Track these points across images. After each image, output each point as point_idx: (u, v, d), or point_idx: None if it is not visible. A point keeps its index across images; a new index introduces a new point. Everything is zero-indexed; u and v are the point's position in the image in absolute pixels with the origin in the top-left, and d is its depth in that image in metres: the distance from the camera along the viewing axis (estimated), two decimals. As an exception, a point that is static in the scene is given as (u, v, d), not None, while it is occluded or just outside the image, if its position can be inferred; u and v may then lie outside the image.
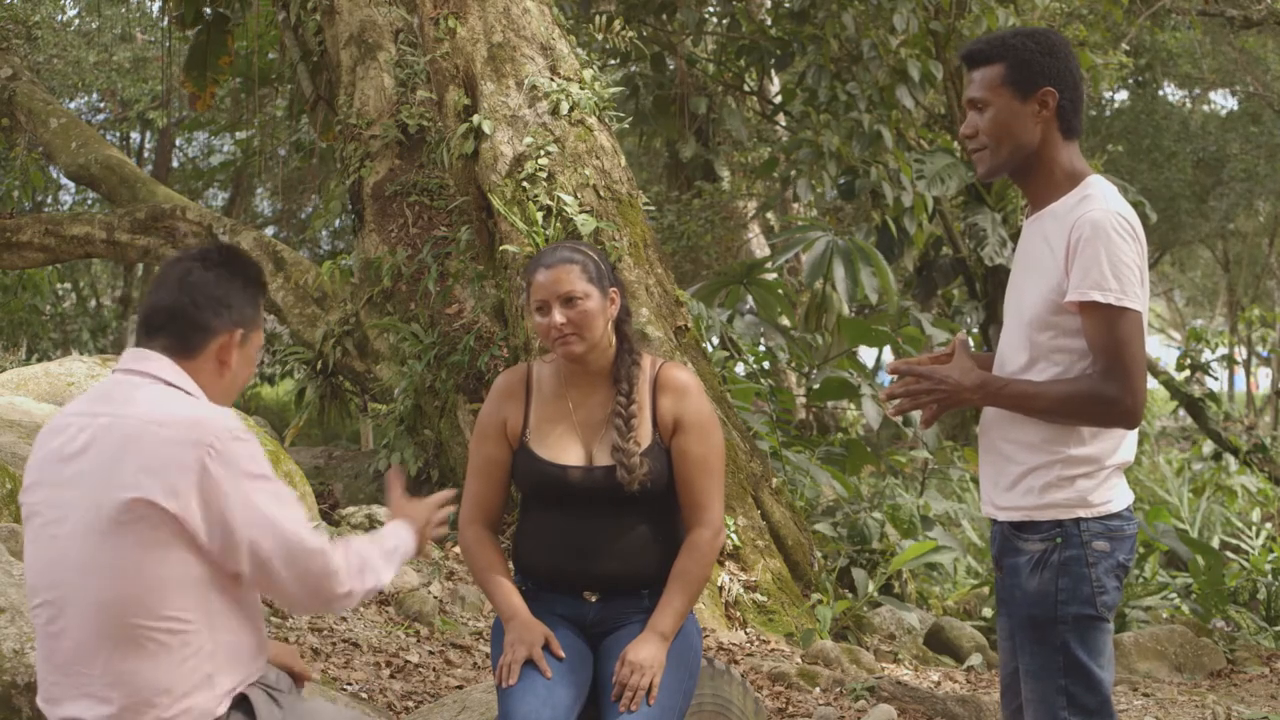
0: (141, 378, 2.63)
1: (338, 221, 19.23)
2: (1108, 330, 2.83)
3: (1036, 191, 3.02)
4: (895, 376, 3.02)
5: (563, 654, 3.15)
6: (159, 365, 2.64)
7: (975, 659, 6.76)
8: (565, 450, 3.25)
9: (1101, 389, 2.83)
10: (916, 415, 8.55)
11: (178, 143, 19.41)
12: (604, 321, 3.24)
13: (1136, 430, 2.99)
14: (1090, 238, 2.83)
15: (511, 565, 3.39)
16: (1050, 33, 3.04)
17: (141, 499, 2.47)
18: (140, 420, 2.53)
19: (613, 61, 11.37)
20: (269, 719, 2.65)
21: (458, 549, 7.13)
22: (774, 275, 9.95)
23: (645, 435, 3.24)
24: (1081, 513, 2.90)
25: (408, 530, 2.96)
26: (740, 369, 8.83)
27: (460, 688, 4.85)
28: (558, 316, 3.18)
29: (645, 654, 3.12)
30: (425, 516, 3.07)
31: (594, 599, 3.26)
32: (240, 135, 18.06)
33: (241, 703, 2.62)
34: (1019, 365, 2.97)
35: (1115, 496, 2.94)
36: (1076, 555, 2.90)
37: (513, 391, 3.34)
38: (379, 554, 2.78)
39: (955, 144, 11.28)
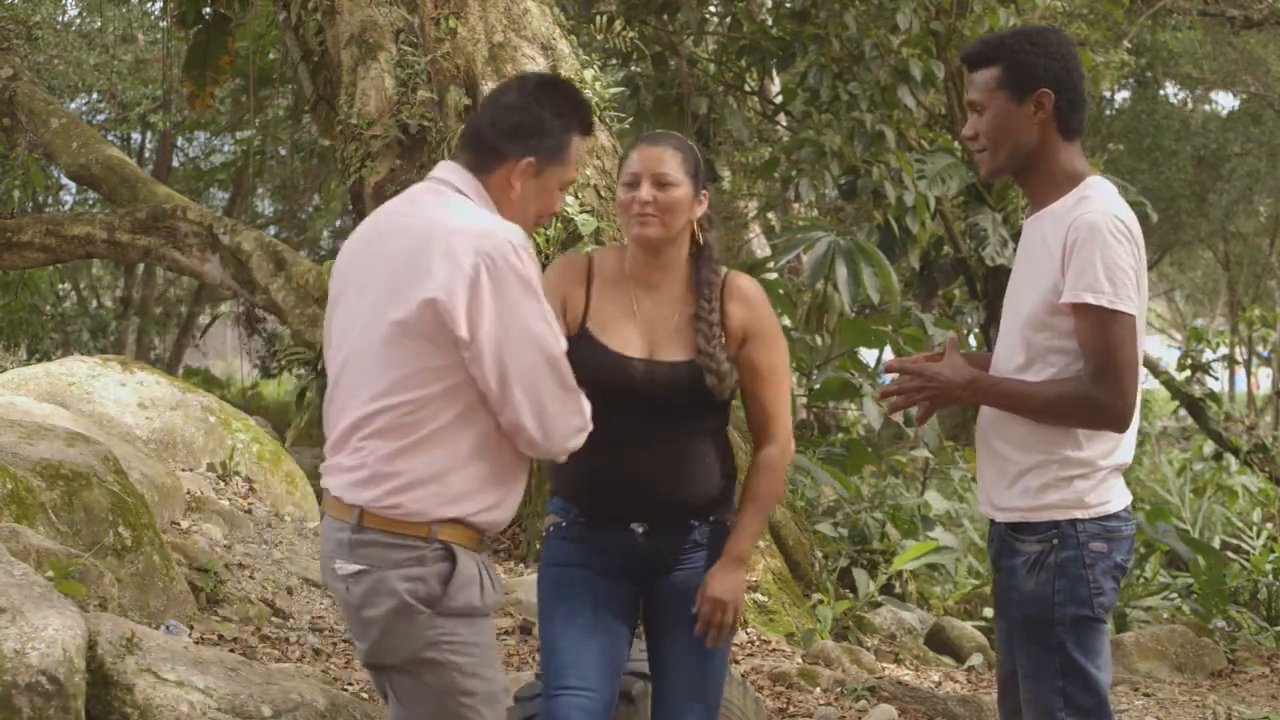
0: (444, 186, 2.76)
1: (339, 221, 19.23)
2: (1099, 333, 2.82)
3: (1036, 192, 3.02)
4: (894, 376, 3.03)
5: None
6: (459, 177, 2.77)
7: (976, 659, 6.76)
8: (627, 342, 3.12)
9: (1091, 392, 2.83)
10: (912, 413, 8.52)
11: (178, 143, 19.40)
12: (687, 218, 3.14)
13: (1135, 432, 2.99)
14: (1086, 239, 2.82)
15: (552, 488, 3.27)
16: (1050, 32, 3.03)
17: (426, 300, 2.59)
18: (433, 224, 2.66)
19: (613, 61, 11.36)
20: (468, 575, 2.67)
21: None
22: (775, 275, 9.94)
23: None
24: (1078, 514, 2.90)
25: None
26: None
27: (461, 688, 4.84)
28: (644, 193, 3.08)
29: (726, 587, 3.07)
30: None
31: (641, 531, 3.13)
32: (241, 135, 18.05)
33: (449, 556, 2.66)
34: (1016, 365, 2.96)
35: (1113, 497, 2.94)
36: (1073, 556, 2.89)
37: (575, 272, 3.20)
38: None
39: (956, 144, 11.27)
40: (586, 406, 2.77)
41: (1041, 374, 2.92)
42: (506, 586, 6.39)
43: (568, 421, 2.71)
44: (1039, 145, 2.96)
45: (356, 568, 2.65)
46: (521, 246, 2.64)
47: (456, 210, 2.69)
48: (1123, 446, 2.96)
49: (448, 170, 2.79)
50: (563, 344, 2.71)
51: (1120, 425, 2.87)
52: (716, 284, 3.16)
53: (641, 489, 3.10)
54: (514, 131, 2.75)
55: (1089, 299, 2.81)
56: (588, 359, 3.06)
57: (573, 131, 2.81)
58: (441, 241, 2.62)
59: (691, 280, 3.17)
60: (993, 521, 3.06)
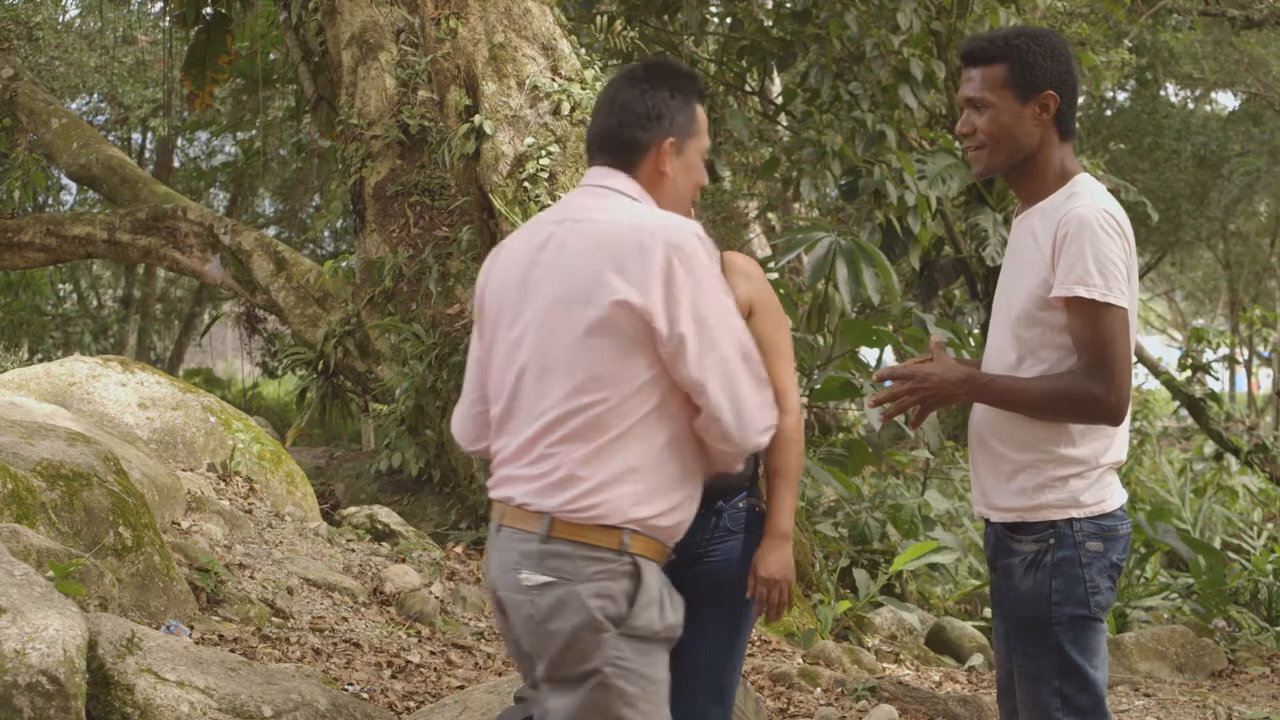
0: (604, 190, 2.78)
1: (339, 222, 19.24)
2: (1091, 326, 2.83)
3: (1028, 190, 3.02)
4: (887, 383, 3.04)
5: None
6: (617, 180, 2.79)
7: (977, 659, 6.76)
8: None
9: (1085, 386, 2.83)
10: (912, 413, 8.52)
11: (179, 143, 19.40)
12: (689, 204, 3.17)
13: (1128, 430, 3.00)
14: (1076, 233, 2.83)
15: None
16: (1052, 34, 3.03)
17: (618, 301, 2.60)
18: (613, 223, 2.68)
19: (614, 61, 11.36)
20: (651, 594, 2.66)
21: (458, 549, 7.13)
22: (775, 275, 9.94)
23: None
24: (1074, 513, 2.90)
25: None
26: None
27: (461, 688, 4.85)
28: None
29: (776, 566, 3.11)
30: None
31: None
32: (242, 135, 18.06)
33: (636, 572, 2.65)
34: (1008, 363, 2.97)
35: (1108, 496, 2.94)
36: (1070, 556, 2.90)
37: None
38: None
39: (957, 144, 11.27)
40: (769, 395, 2.77)
41: (1033, 370, 2.92)
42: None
43: (761, 414, 2.72)
44: (1038, 145, 2.97)
45: (544, 579, 2.63)
46: (706, 241, 2.67)
47: (630, 209, 2.72)
48: (1116, 445, 2.96)
49: (600, 175, 2.80)
50: (751, 340, 2.73)
51: (1115, 419, 2.87)
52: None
53: None
54: (645, 120, 2.79)
55: (1080, 292, 2.82)
56: None
57: (694, 100, 2.86)
58: (628, 239, 2.64)
59: None
60: (988, 521, 3.06)
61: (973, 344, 11.43)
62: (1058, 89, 2.95)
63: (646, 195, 2.78)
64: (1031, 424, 2.92)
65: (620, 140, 2.79)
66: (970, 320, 11.62)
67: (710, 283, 2.65)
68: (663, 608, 2.69)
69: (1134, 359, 3.02)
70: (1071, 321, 2.85)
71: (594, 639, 2.62)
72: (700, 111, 2.87)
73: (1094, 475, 2.92)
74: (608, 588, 2.62)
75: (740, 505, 3.18)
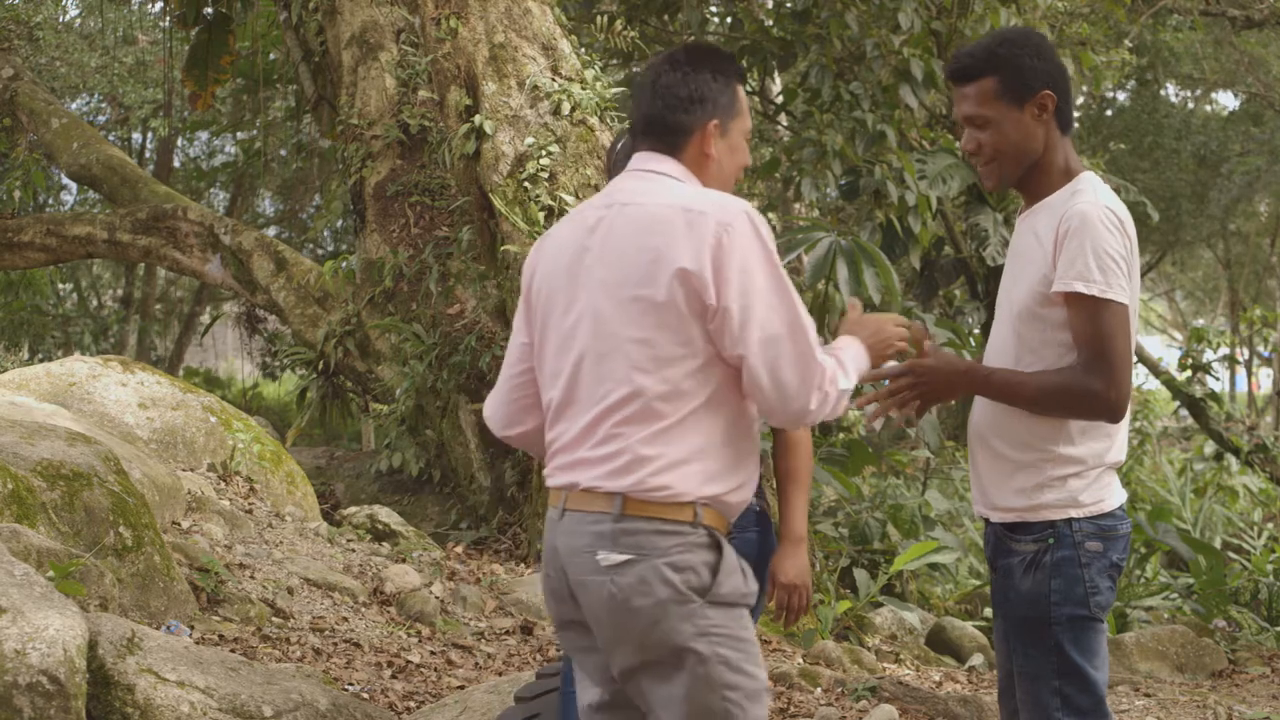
0: (650, 174, 2.77)
1: (339, 222, 19.23)
2: (1091, 322, 2.82)
3: (1033, 188, 3.02)
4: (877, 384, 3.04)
5: None
6: (663, 164, 2.78)
7: (977, 659, 6.76)
8: None
9: (1085, 382, 2.83)
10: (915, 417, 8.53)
11: (179, 143, 19.40)
12: None
13: (1127, 429, 2.99)
14: (1078, 229, 2.83)
15: None
16: (1031, 32, 3.03)
17: (676, 272, 2.60)
18: (663, 205, 2.68)
19: (614, 61, 11.37)
20: (732, 561, 2.65)
21: (459, 549, 7.13)
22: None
23: None
24: (1074, 513, 2.90)
25: (858, 344, 2.88)
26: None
27: (462, 688, 4.85)
28: None
29: (794, 571, 3.15)
30: (874, 328, 2.94)
31: None
32: (242, 135, 18.06)
33: (715, 543, 2.64)
34: (1009, 360, 2.97)
35: (1107, 496, 2.93)
36: (1069, 556, 2.89)
37: None
38: (844, 359, 2.79)
39: (957, 144, 11.26)
40: (834, 375, 2.72)
41: (1033, 367, 2.92)
42: (506, 586, 6.40)
43: (802, 387, 2.66)
44: (1043, 146, 2.97)
45: (623, 557, 2.60)
46: (757, 218, 2.68)
47: (679, 191, 2.72)
48: (1116, 444, 2.95)
49: (645, 160, 2.80)
50: (805, 312, 2.71)
51: (1114, 415, 2.87)
52: None
53: None
54: (688, 103, 2.78)
55: (1080, 288, 2.81)
56: None
57: (734, 81, 2.85)
58: (678, 218, 2.64)
59: None
60: (988, 521, 3.06)
61: (973, 344, 11.43)
62: (1052, 87, 2.95)
63: (692, 177, 2.78)
64: (1032, 422, 2.92)
65: (664, 124, 2.78)
66: (970, 320, 11.61)
67: (757, 258, 2.64)
68: (745, 575, 2.68)
69: (1134, 358, 3.01)
70: (1071, 317, 2.85)
71: (681, 610, 2.58)
72: (741, 93, 2.85)
73: (1093, 475, 2.91)
74: (687, 559, 2.60)
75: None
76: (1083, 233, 2.83)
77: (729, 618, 2.63)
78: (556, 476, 2.73)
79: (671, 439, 2.62)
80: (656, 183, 2.75)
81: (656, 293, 2.62)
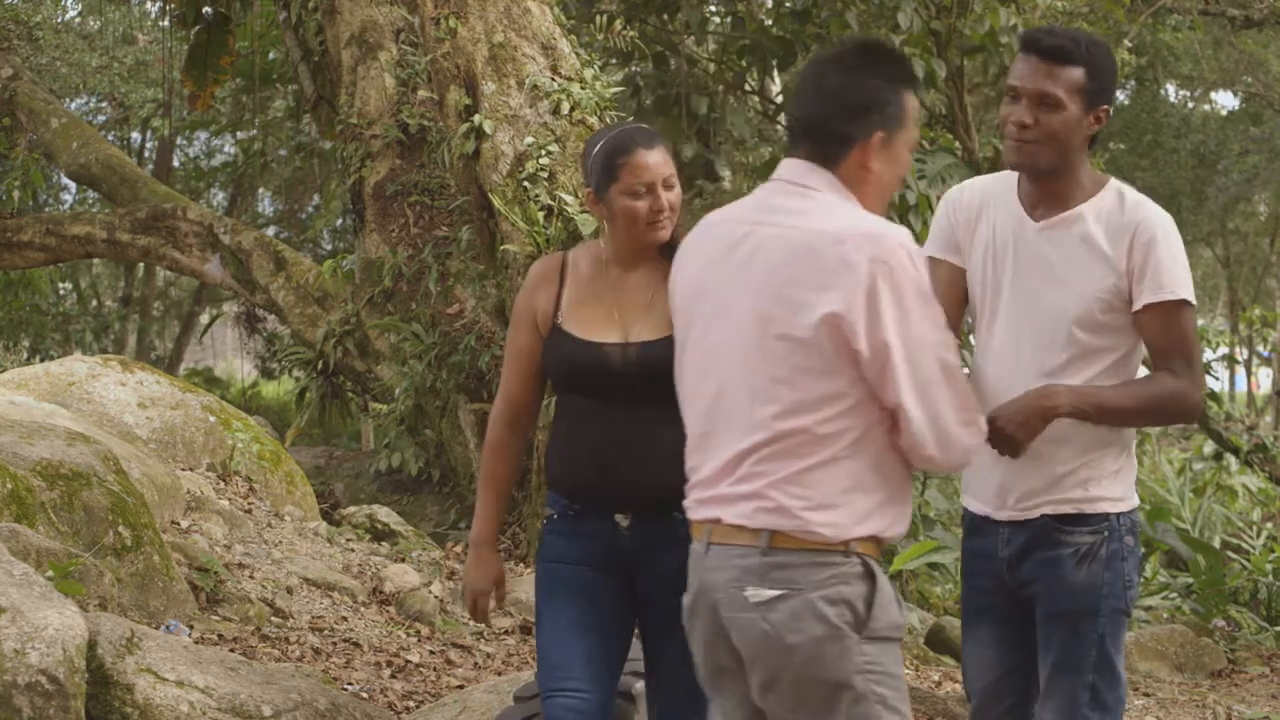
0: (802, 189, 2.60)
1: (339, 221, 19.22)
2: (1179, 326, 2.90)
3: (1057, 194, 2.99)
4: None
5: (503, 604, 3.25)
6: (814, 176, 2.60)
7: (976, 659, 6.75)
8: (602, 330, 3.14)
9: (1180, 386, 2.90)
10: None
11: (179, 142, 19.39)
12: None
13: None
14: (1161, 238, 2.90)
15: (546, 481, 3.31)
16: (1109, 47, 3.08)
17: (824, 316, 2.48)
18: (813, 231, 2.53)
19: (613, 61, 11.35)
20: (888, 593, 2.55)
21: (458, 549, 7.13)
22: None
23: None
24: (1123, 506, 2.96)
25: None
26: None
27: (461, 688, 4.85)
28: (663, 200, 3.10)
29: None
30: None
31: (626, 523, 3.13)
32: (241, 135, 18.06)
33: (869, 574, 2.54)
34: (1050, 367, 2.93)
35: (1134, 492, 3.01)
36: (1118, 549, 2.93)
37: (547, 276, 3.23)
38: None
39: (956, 143, 11.26)
40: (981, 419, 2.64)
41: (1081, 374, 2.91)
42: (505, 586, 6.39)
43: (963, 433, 2.57)
44: (1079, 151, 2.99)
45: (774, 593, 2.50)
46: (913, 250, 2.52)
47: (831, 213, 2.56)
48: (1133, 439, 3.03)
49: (798, 171, 2.62)
50: (955, 353, 2.60)
51: (1198, 415, 3.01)
52: None
53: (617, 474, 3.09)
54: (855, 111, 2.58)
55: (1182, 294, 2.89)
56: (561, 352, 3.15)
57: (904, 89, 2.66)
58: (830, 252, 2.50)
59: (665, 255, 3.13)
60: (1013, 521, 2.99)
61: (972, 342, 11.42)
62: (1111, 101, 3.02)
63: (847, 193, 2.60)
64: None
65: (827, 131, 2.59)
66: (969, 320, 11.57)
67: (914, 297, 2.49)
68: (896, 606, 2.58)
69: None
70: (1155, 323, 2.89)
71: (838, 648, 2.49)
72: (911, 100, 2.68)
73: (1132, 468, 2.99)
74: (842, 592, 2.50)
75: None
76: (1166, 242, 2.90)
77: (884, 653, 2.54)
78: (698, 510, 2.64)
79: (815, 481, 2.51)
80: (809, 200, 2.58)
81: (802, 333, 2.50)
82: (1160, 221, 2.91)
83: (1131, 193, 2.98)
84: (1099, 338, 2.92)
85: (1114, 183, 3.01)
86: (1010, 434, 2.83)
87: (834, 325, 2.47)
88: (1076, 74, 2.92)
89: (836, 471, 2.51)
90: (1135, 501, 2.99)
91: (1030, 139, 2.95)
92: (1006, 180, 3.10)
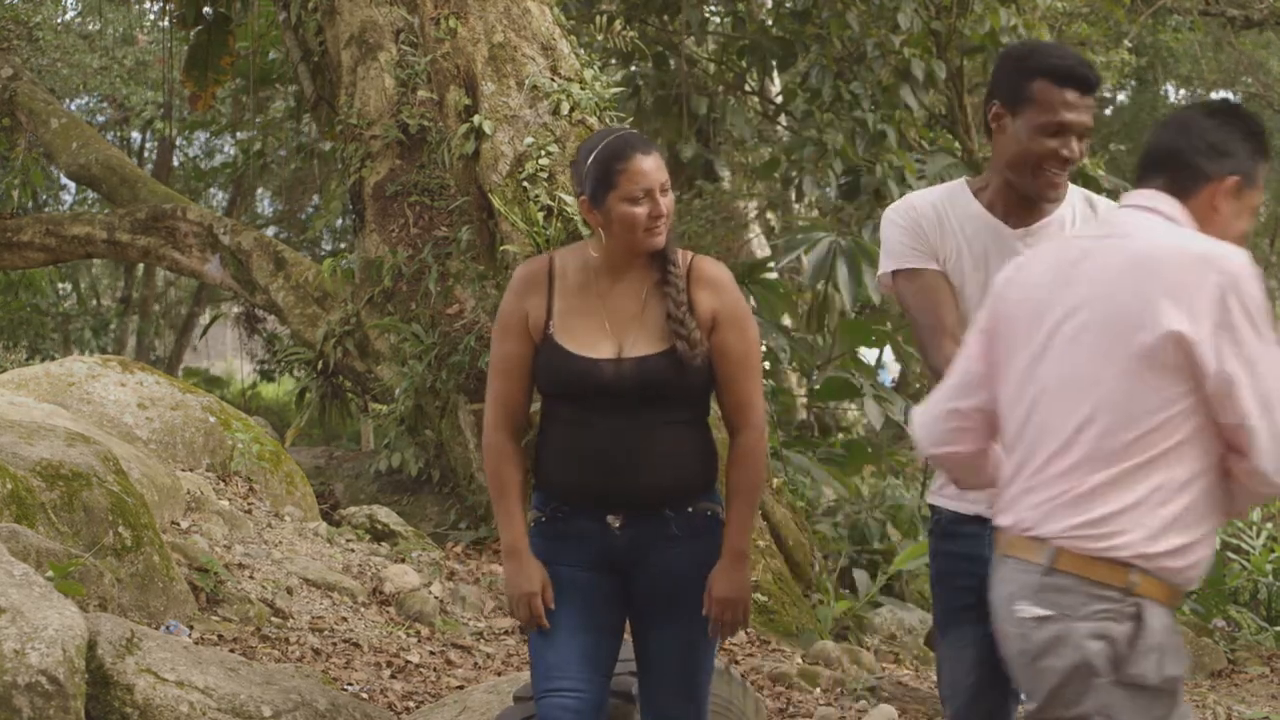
0: (1148, 213, 2.66)
1: (339, 221, 19.22)
2: None
3: (1033, 202, 3.06)
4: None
5: (552, 604, 3.12)
6: (1166, 203, 2.65)
7: (976, 659, 6.75)
8: (595, 343, 3.10)
9: None
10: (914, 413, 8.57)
11: (178, 143, 19.39)
12: None
13: None
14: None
15: (534, 482, 3.27)
16: None
17: (1171, 333, 2.47)
18: (1159, 248, 2.57)
19: (613, 61, 11.36)
20: (1153, 641, 2.53)
21: (458, 549, 7.13)
22: (775, 275, 9.95)
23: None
24: None
25: None
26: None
27: (461, 688, 4.85)
28: (662, 206, 3.08)
29: (733, 586, 3.10)
30: None
31: (618, 524, 3.12)
32: (241, 136, 18.06)
33: (1138, 615, 2.52)
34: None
35: None
36: None
37: (535, 281, 3.17)
38: None
39: (956, 144, 11.27)
40: None
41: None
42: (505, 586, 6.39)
43: None
44: None
45: (1041, 613, 2.52)
46: (1254, 271, 2.54)
47: (1179, 235, 2.61)
48: None
49: (1148, 197, 2.67)
50: None
51: None
52: (676, 254, 3.16)
53: (613, 477, 3.09)
54: (1214, 151, 2.66)
55: None
56: (555, 366, 3.11)
57: (1261, 155, 2.73)
58: (1176, 262, 2.52)
59: (655, 262, 3.15)
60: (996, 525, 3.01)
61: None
62: None
63: (1195, 226, 2.65)
64: None
65: (1183, 163, 2.66)
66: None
67: (1261, 318, 2.50)
68: (1162, 656, 2.56)
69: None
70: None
71: (1085, 684, 2.49)
72: (1263, 171, 2.75)
73: None
74: (1108, 628, 2.49)
75: (690, 511, 3.15)
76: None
77: (1131, 702, 2.53)
78: (1001, 516, 2.68)
79: (1124, 487, 2.51)
80: (1152, 222, 2.64)
81: (1146, 341, 2.50)
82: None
83: (1096, 197, 3.02)
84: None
85: (1074, 189, 3.05)
86: None
87: (1179, 343, 2.49)
88: (1092, 102, 3.01)
89: (1145, 481, 2.52)
90: None
91: (1066, 172, 3.02)
92: (954, 190, 3.15)
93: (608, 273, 3.16)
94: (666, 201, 3.10)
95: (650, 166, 3.07)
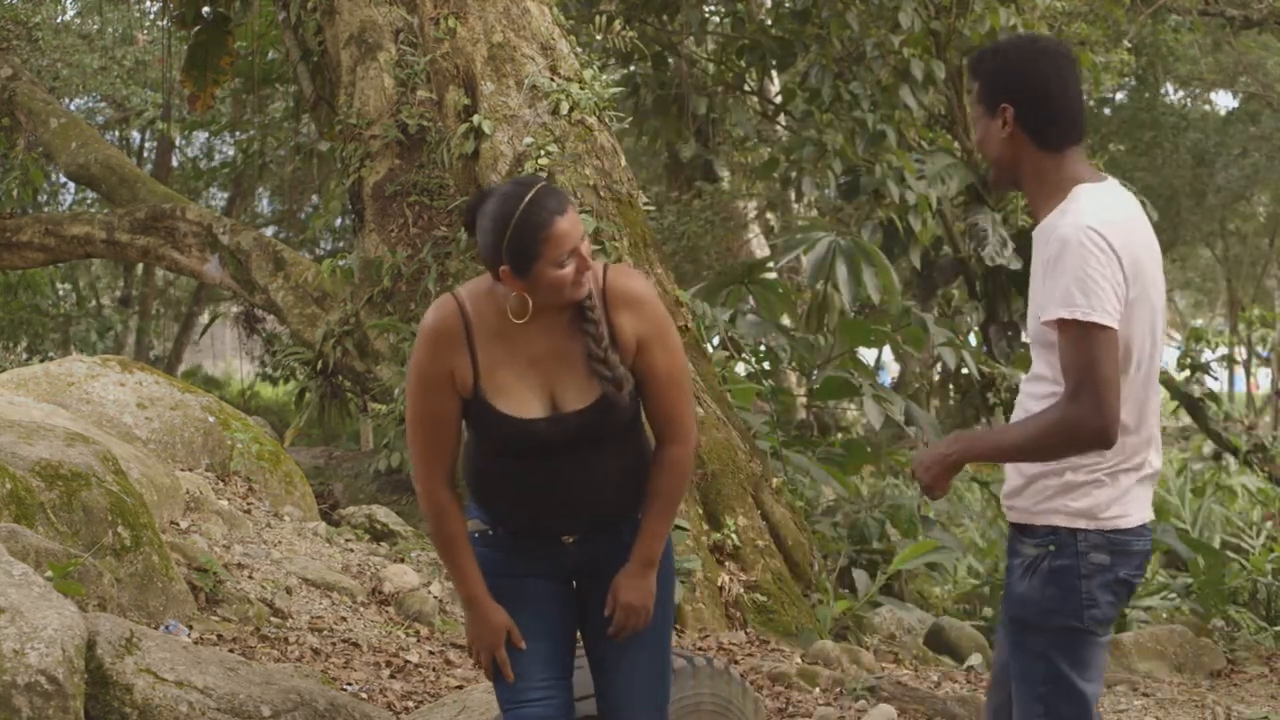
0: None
1: (338, 221, 19.22)
2: (1073, 347, 2.73)
3: (1033, 203, 2.98)
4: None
5: (523, 644, 3.07)
6: None
7: (975, 659, 6.76)
8: (527, 402, 3.01)
9: (1067, 412, 2.73)
10: (914, 412, 8.59)
11: (178, 142, 19.39)
12: None
13: (1158, 438, 2.93)
14: (1058, 254, 2.76)
15: (470, 499, 3.19)
16: (1014, 44, 2.98)
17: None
18: None
19: (613, 61, 11.37)
20: None
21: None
22: (774, 275, 9.95)
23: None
24: (1083, 523, 2.82)
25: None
26: (741, 369, 8.83)
27: (460, 688, 4.85)
28: (582, 263, 2.95)
29: (637, 593, 3.08)
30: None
31: (571, 540, 3.11)
32: (240, 135, 18.05)
33: None
34: (1046, 386, 2.88)
35: (1132, 511, 2.86)
36: (1068, 565, 2.83)
37: (451, 337, 3.01)
38: None
39: (955, 144, 11.28)
40: None
41: (1039, 390, 2.88)
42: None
43: None
44: (1014, 158, 2.92)
45: None
46: None
47: None
48: (1151, 453, 2.90)
49: None
50: None
51: (1104, 441, 2.74)
52: (592, 295, 3.01)
53: (561, 509, 3.08)
54: None
55: (1063, 314, 2.73)
56: (491, 425, 3.02)
57: None
58: None
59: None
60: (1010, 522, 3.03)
61: (971, 342, 11.44)
62: (1013, 100, 2.88)
63: None
64: None
65: None
66: (970, 320, 11.61)
67: None
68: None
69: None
70: (1060, 344, 2.77)
71: None
72: None
73: (1122, 486, 2.84)
74: None
75: (640, 517, 3.13)
76: (1064, 257, 2.75)
77: None
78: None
79: None
80: None
81: None
82: (1066, 235, 2.76)
83: (1073, 201, 2.84)
84: (1051, 353, 2.82)
85: (1078, 190, 2.87)
86: (919, 479, 2.94)
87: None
88: (975, 87, 3.00)
89: None
90: (1123, 522, 2.84)
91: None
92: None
93: (533, 317, 3.01)
94: (585, 248, 2.97)
95: (569, 224, 2.92)
